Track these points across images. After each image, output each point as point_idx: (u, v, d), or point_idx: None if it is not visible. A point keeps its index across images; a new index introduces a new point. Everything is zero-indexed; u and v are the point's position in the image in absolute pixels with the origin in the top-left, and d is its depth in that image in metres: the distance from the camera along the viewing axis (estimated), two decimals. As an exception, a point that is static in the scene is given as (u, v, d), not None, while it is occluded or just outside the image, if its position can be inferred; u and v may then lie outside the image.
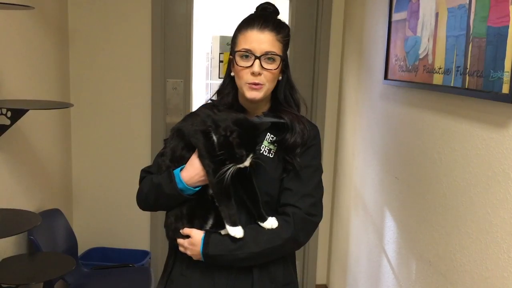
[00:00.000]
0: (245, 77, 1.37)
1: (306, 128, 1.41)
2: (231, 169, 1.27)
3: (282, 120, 1.40)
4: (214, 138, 1.30)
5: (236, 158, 1.27)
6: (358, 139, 2.71)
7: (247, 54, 1.36)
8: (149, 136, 3.01)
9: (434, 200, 1.76)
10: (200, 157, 1.34)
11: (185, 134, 1.38)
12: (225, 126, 1.28)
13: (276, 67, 1.38)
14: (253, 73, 1.35)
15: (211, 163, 1.31)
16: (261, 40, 1.35)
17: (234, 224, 1.31)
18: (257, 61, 1.35)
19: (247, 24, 1.38)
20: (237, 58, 1.37)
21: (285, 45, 1.41)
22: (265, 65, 1.36)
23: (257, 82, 1.36)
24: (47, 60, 2.56)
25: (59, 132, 2.77)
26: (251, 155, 1.29)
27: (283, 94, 1.45)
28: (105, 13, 2.89)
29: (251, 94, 1.38)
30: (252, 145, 1.30)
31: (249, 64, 1.36)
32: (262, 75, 1.36)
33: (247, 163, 1.30)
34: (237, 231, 1.31)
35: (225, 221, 1.32)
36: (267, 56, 1.36)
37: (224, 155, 1.28)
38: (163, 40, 2.96)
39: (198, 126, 1.35)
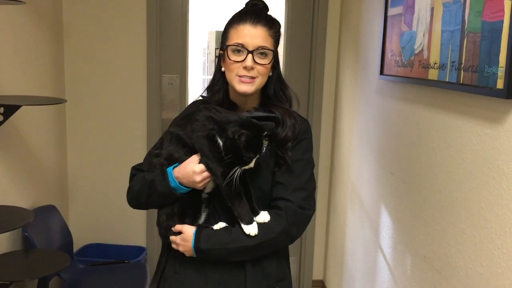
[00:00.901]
0: (236, 70, 1.36)
1: (297, 122, 1.41)
2: (237, 171, 1.27)
3: (273, 115, 1.40)
4: (220, 141, 1.30)
5: (244, 160, 1.27)
6: (354, 134, 2.71)
7: (240, 48, 1.35)
8: (145, 132, 3.00)
9: (429, 195, 1.76)
10: (208, 161, 1.32)
11: (187, 141, 1.36)
12: (233, 130, 1.27)
13: (268, 62, 1.37)
14: (245, 67, 1.35)
15: (219, 167, 1.30)
16: (254, 35, 1.34)
17: (249, 222, 1.32)
18: (249, 55, 1.34)
19: (239, 18, 1.37)
20: (229, 52, 1.36)
21: (276, 41, 1.41)
22: (258, 60, 1.35)
23: (249, 76, 1.36)
24: (41, 56, 2.55)
25: (54, 128, 2.76)
26: (257, 157, 1.30)
27: (273, 90, 1.45)
28: (100, 8, 2.87)
29: (242, 87, 1.37)
30: (258, 147, 1.31)
31: (241, 58, 1.35)
32: (255, 70, 1.35)
33: (252, 164, 1.30)
34: (251, 229, 1.31)
35: (239, 220, 1.32)
36: (260, 51, 1.35)
37: (232, 159, 1.27)
38: (158, 35, 2.94)
39: (200, 131, 1.33)
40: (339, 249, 2.96)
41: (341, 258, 2.92)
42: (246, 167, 1.29)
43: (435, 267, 1.70)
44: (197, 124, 1.35)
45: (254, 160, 1.30)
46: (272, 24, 1.38)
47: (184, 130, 1.37)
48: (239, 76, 1.36)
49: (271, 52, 1.37)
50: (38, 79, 2.51)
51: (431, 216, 1.74)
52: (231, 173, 1.27)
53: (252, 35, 1.34)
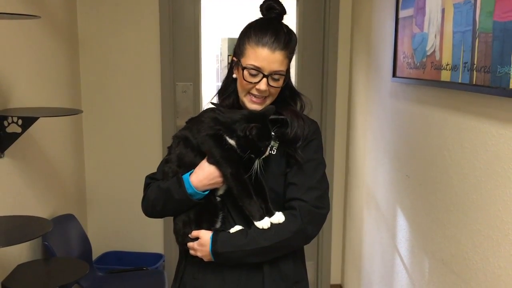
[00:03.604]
0: (248, 90, 1.39)
1: (305, 124, 1.43)
2: (256, 162, 1.32)
3: (281, 116, 1.42)
4: (231, 141, 1.32)
5: (262, 151, 1.31)
6: (368, 137, 2.70)
7: (255, 71, 1.36)
8: (160, 140, 3.03)
9: (445, 198, 1.75)
10: (215, 163, 1.35)
11: (193, 142, 1.39)
12: (242, 127, 1.30)
13: (281, 85, 1.40)
14: (258, 90, 1.37)
15: (228, 167, 1.33)
16: (271, 60, 1.35)
17: (260, 218, 1.34)
18: (264, 79, 1.36)
19: (257, 39, 1.36)
20: (245, 73, 1.37)
21: (291, 58, 1.43)
22: (271, 83, 1.38)
23: (261, 97, 1.39)
24: (57, 68, 2.60)
25: (71, 138, 2.80)
26: (271, 143, 1.35)
27: (283, 99, 1.47)
28: (113, 19, 2.92)
29: (252, 106, 1.41)
30: (269, 133, 1.34)
31: (256, 80, 1.37)
32: (267, 91, 1.38)
33: (267, 152, 1.34)
34: (263, 223, 1.34)
35: (251, 218, 1.35)
36: (274, 75, 1.37)
37: (250, 154, 1.31)
38: (171, 43, 2.97)
39: (206, 131, 1.36)
40: (357, 253, 2.94)
41: (358, 262, 2.90)
42: (264, 155, 1.33)
43: (454, 270, 1.68)
44: (202, 125, 1.38)
45: (269, 147, 1.34)
46: (289, 44, 1.38)
47: (191, 132, 1.40)
48: (251, 96, 1.39)
49: (285, 74, 1.40)
50: (55, 90, 2.55)
51: (448, 219, 1.73)
52: (253, 167, 1.31)
53: (269, 60, 1.35)
